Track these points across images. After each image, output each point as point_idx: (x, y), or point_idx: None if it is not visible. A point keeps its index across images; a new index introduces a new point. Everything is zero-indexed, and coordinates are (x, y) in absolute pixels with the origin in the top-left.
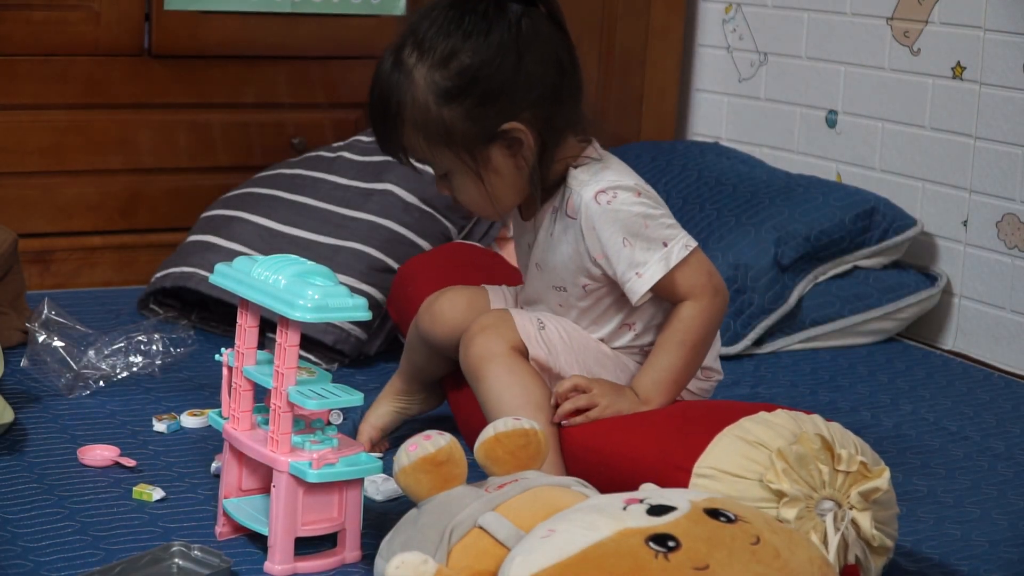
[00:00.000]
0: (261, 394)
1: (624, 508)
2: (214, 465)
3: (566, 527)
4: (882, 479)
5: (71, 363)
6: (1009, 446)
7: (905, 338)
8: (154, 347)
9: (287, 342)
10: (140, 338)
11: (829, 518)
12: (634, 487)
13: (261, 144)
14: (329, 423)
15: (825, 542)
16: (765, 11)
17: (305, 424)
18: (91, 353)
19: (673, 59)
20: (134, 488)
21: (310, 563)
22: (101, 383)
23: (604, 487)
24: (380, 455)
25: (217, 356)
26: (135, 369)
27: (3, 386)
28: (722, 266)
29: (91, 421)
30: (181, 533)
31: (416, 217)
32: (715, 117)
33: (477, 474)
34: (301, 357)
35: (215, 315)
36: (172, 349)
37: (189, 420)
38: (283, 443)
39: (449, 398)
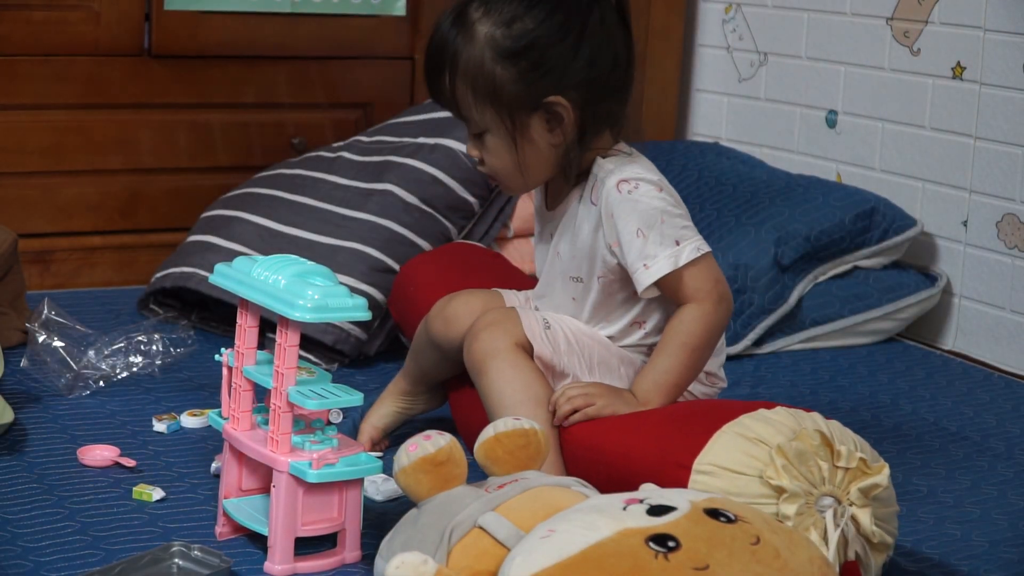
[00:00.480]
0: (261, 394)
1: (624, 508)
2: (214, 465)
3: (566, 527)
4: (882, 475)
5: (71, 363)
6: (1009, 446)
7: (905, 338)
8: (154, 347)
9: (287, 342)
10: (140, 338)
11: (829, 514)
12: (634, 485)
13: (261, 144)
14: (329, 423)
15: (825, 538)
16: (765, 11)
17: (305, 424)
18: (91, 353)
19: (673, 59)
20: (134, 488)
21: (310, 563)
22: (101, 383)
23: (604, 486)
24: (380, 455)
25: (217, 356)
26: (135, 369)
27: (3, 386)
28: (722, 266)
29: (91, 421)
30: (181, 533)
31: (416, 217)
32: (715, 117)
33: (477, 474)
34: (301, 357)
35: (215, 315)
36: (172, 349)
37: (189, 420)
38: (283, 443)
39: (449, 398)
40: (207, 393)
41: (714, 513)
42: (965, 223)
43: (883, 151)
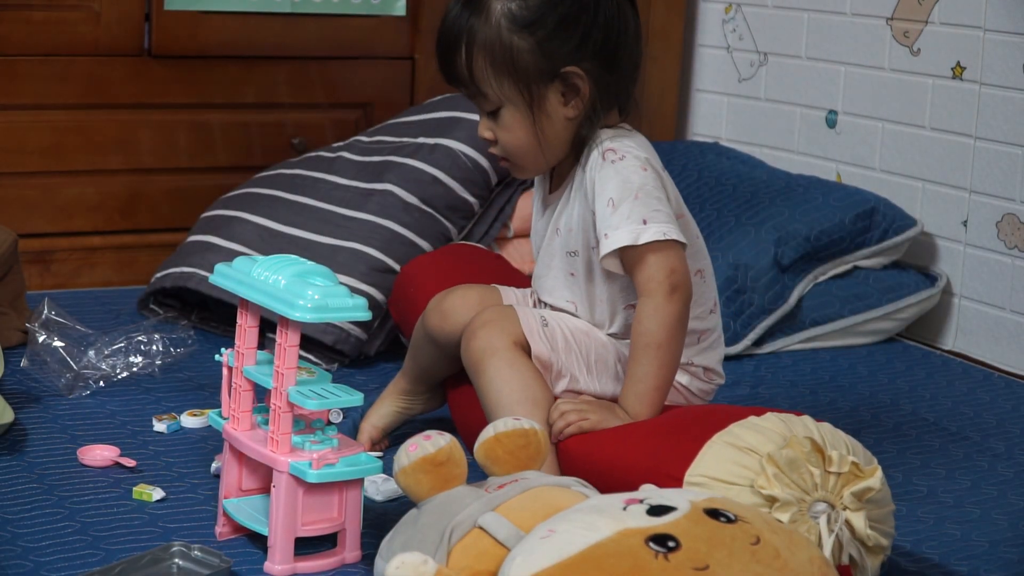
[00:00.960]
0: (261, 394)
1: (624, 508)
2: (214, 465)
3: (566, 527)
4: (874, 478)
5: (71, 363)
6: (1009, 446)
7: (905, 338)
8: (154, 347)
9: (287, 342)
10: (140, 338)
11: (822, 520)
12: None
13: (261, 144)
14: (329, 423)
15: (820, 544)
16: (765, 11)
17: (305, 424)
18: (91, 353)
19: (673, 59)
20: (134, 488)
21: (310, 563)
22: (101, 383)
23: None
24: (380, 454)
25: (217, 356)
26: (135, 369)
27: (3, 386)
28: (722, 266)
29: (91, 421)
30: (181, 533)
31: (416, 217)
32: (715, 117)
33: (477, 474)
34: (301, 357)
35: (215, 315)
36: (172, 349)
37: (189, 420)
38: (283, 443)
39: (448, 398)
40: (207, 393)
41: (714, 513)
42: (965, 223)
43: (883, 151)
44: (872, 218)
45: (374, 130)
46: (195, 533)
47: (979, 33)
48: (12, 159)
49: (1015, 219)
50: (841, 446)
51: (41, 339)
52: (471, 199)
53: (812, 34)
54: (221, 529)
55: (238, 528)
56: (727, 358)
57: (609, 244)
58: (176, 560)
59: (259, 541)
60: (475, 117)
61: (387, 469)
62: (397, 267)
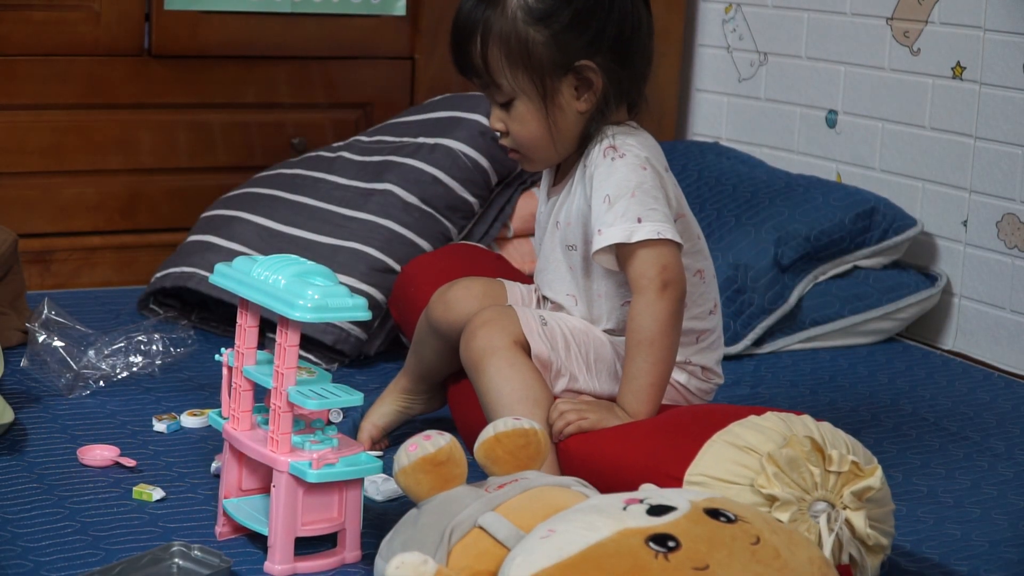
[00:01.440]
0: (261, 394)
1: (624, 508)
2: (214, 465)
3: (566, 527)
4: (874, 478)
5: (71, 363)
6: (1009, 446)
7: (905, 338)
8: (154, 347)
9: (287, 342)
10: (140, 338)
11: (822, 519)
12: None
13: (261, 144)
14: (329, 423)
15: (820, 543)
16: (765, 11)
17: (305, 424)
18: (91, 353)
19: (673, 59)
20: (134, 488)
21: (310, 563)
22: (101, 383)
23: None
24: (380, 454)
25: (217, 356)
26: (135, 369)
27: (3, 386)
28: (722, 266)
29: (91, 421)
30: (181, 533)
31: (416, 217)
32: (715, 117)
33: (477, 474)
34: (301, 357)
35: (215, 315)
36: (172, 349)
37: (189, 420)
38: (283, 443)
39: (448, 397)
40: (207, 393)
41: (714, 513)
42: (965, 223)
43: (883, 151)
44: (872, 218)
45: (374, 130)
46: (195, 533)
47: (979, 33)
48: (12, 159)
49: (1015, 219)
50: (841, 445)
51: (41, 339)
52: (471, 199)
53: (812, 34)
54: (221, 529)
55: (238, 528)
56: (727, 358)
57: (602, 240)
58: (176, 560)
59: (259, 541)
60: (475, 117)
61: (387, 469)
62: (397, 267)
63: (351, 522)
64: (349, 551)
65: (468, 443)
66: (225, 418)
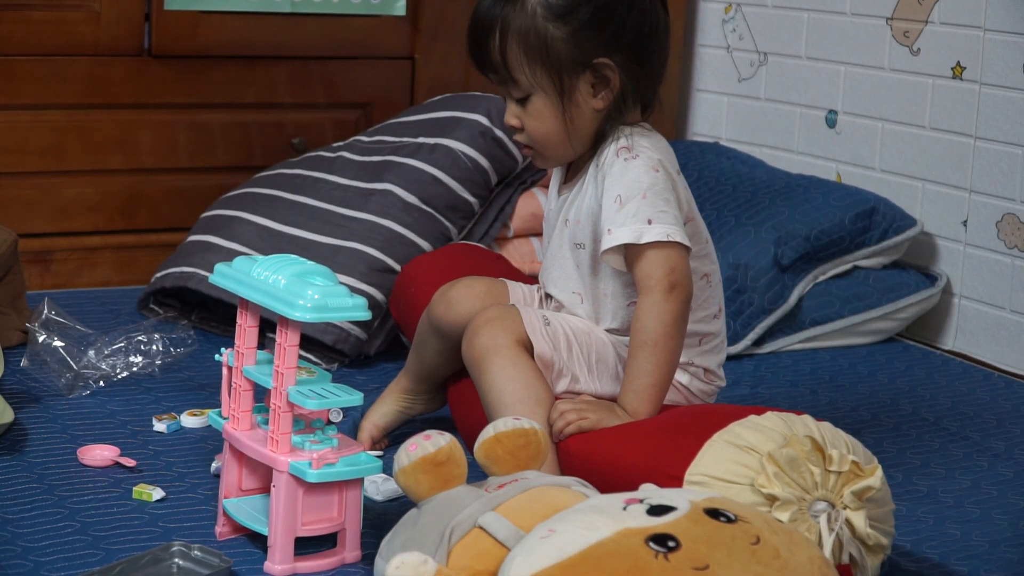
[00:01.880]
0: (261, 394)
1: (624, 508)
2: (214, 465)
3: (566, 527)
4: (874, 477)
5: (71, 363)
6: (1009, 446)
7: (905, 338)
8: (154, 347)
9: (287, 342)
10: (140, 338)
11: (823, 519)
12: None
13: (261, 144)
14: (329, 423)
15: (820, 543)
16: (765, 11)
17: (305, 424)
18: (91, 353)
19: (673, 59)
20: (134, 488)
21: (310, 563)
22: (101, 383)
23: None
24: (380, 454)
25: (217, 356)
26: (135, 369)
27: (3, 386)
28: (722, 266)
29: (91, 421)
30: (181, 533)
31: (416, 217)
32: (715, 117)
33: (477, 474)
34: (301, 357)
35: (215, 315)
36: (172, 349)
37: (189, 420)
38: (283, 443)
39: (449, 397)
40: (207, 393)
41: (714, 513)
42: (965, 223)
43: (883, 151)
44: (872, 218)
45: (374, 130)
46: (195, 533)
47: (979, 33)
48: (12, 159)
49: (1015, 219)
50: (841, 445)
51: (41, 339)
52: (471, 199)
53: (812, 34)
54: (221, 529)
55: (238, 528)
56: (727, 357)
57: (611, 240)
58: (176, 560)
59: (259, 541)
60: (475, 117)
61: (387, 469)
62: (397, 267)
63: (351, 522)
64: (349, 551)
65: (468, 443)
66: (225, 418)
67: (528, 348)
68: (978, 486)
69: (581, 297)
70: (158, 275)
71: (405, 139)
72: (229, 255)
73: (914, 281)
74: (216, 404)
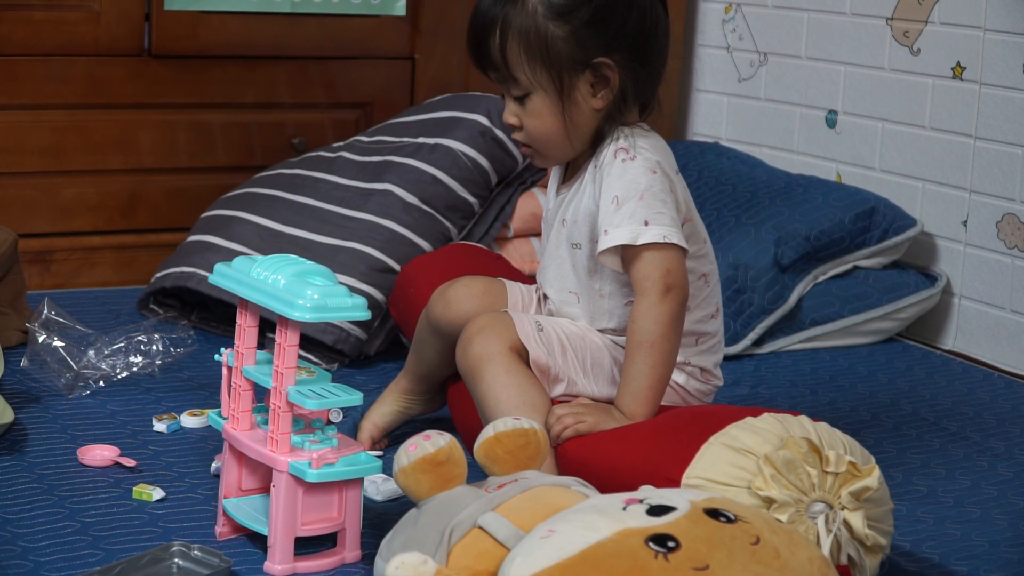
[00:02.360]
0: (261, 394)
1: (624, 508)
2: (214, 465)
3: (566, 527)
4: (872, 478)
5: (71, 363)
6: (1009, 446)
7: (905, 338)
8: (154, 347)
9: (287, 342)
10: (140, 338)
11: (820, 520)
12: None
13: (261, 144)
14: (329, 423)
15: (818, 545)
16: (765, 11)
17: (305, 424)
18: (91, 353)
19: (673, 59)
20: (134, 488)
21: (310, 563)
22: (101, 383)
23: None
24: (380, 454)
25: (217, 356)
26: (135, 369)
27: (3, 386)
28: (722, 266)
29: (91, 421)
30: (181, 533)
31: (416, 217)
32: (715, 117)
33: (477, 474)
34: (301, 357)
35: (215, 315)
36: (172, 349)
37: (189, 420)
38: (283, 443)
39: (448, 397)
40: (207, 393)
41: (714, 513)
42: (965, 223)
43: (883, 151)
44: (872, 218)
45: (374, 130)
46: (195, 533)
47: (979, 33)
48: (12, 159)
49: (1015, 219)
50: (838, 446)
51: (41, 339)
52: (471, 199)
53: (812, 34)
54: (221, 529)
55: (238, 528)
56: (727, 358)
57: (608, 241)
58: (176, 560)
59: (259, 541)
60: (475, 117)
61: (387, 469)
62: (397, 267)
63: (351, 522)
64: (349, 551)
65: (468, 443)
66: (225, 418)
67: (522, 354)
68: (978, 486)
69: (577, 297)
70: (158, 275)
71: (405, 139)
72: (229, 255)
73: (914, 281)
74: (216, 404)
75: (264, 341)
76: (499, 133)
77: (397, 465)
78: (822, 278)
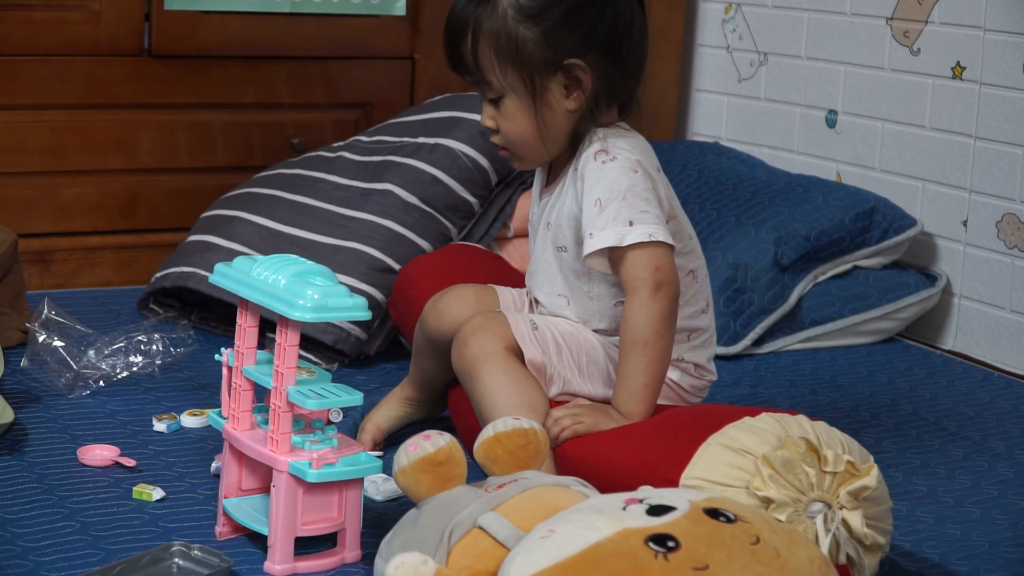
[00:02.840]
0: (261, 394)
1: (624, 508)
2: (214, 465)
3: (566, 527)
4: (870, 477)
5: (71, 363)
6: (1009, 446)
7: (905, 338)
8: (154, 347)
9: (287, 342)
10: (140, 338)
11: (819, 520)
12: None
13: (261, 144)
14: (329, 423)
15: (817, 544)
16: (765, 11)
17: (305, 424)
18: (91, 353)
19: (673, 59)
20: (134, 488)
21: (310, 563)
22: (101, 383)
23: None
24: (380, 454)
25: (217, 356)
26: (135, 369)
27: (3, 386)
28: (722, 266)
29: (91, 421)
30: (181, 533)
31: (416, 217)
32: (715, 117)
33: (477, 474)
34: (301, 357)
35: (215, 315)
36: (172, 349)
37: (189, 420)
38: (283, 443)
39: (449, 398)
40: (207, 393)
41: (714, 513)
42: (965, 223)
43: (883, 151)
44: (872, 218)
45: (374, 130)
46: (195, 533)
47: (979, 33)
48: (12, 159)
49: (1015, 219)
50: (836, 445)
51: (41, 339)
52: (471, 199)
53: (812, 34)
54: (221, 529)
55: (238, 528)
56: (727, 358)
57: (594, 244)
58: (176, 560)
59: (259, 541)
60: (475, 117)
61: (387, 469)
62: (397, 267)
63: (351, 522)
64: (349, 551)
65: (468, 444)
66: (225, 418)
67: (518, 354)
68: (978, 486)
69: (567, 299)
70: (158, 275)
71: (405, 139)
72: (229, 255)
73: (914, 281)
74: (216, 404)
75: (264, 341)
76: None
77: (397, 465)
78: (822, 278)
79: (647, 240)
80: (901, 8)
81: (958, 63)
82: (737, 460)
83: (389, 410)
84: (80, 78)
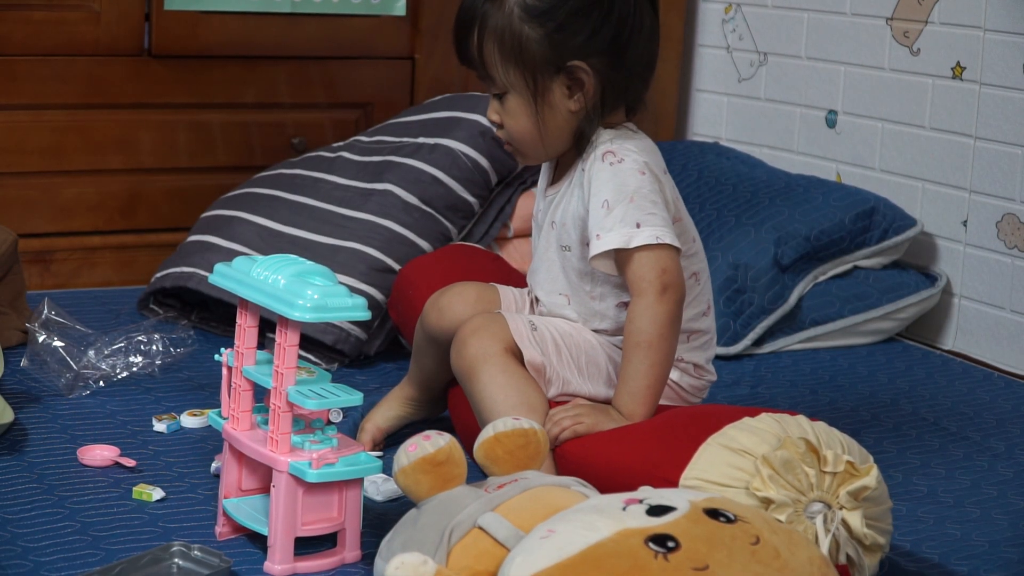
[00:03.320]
0: (261, 394)
1: (624, 508)
2: (214, 465)
3: (566, 527)
4: (870, 477)
5: (71, 363)
6: (1009, 446)
7: (905, 338)
8: (154, 347)
9: (287, 342)
10: (140, 338)
11: (819, 520)
12: None
13: (261, 144)
14: (329, 423)
15: (817, 544)
16: (765, 11)
17: (305, 424)
18: (91, 353)
19: (673, 59)
20: (134, 488)
21: (310, 563)
22: (101, 383)
23: None
24: (380, 454)
25: (217, 356)
26: (135, 369)
27: (3, 386)
28: (722, 266)
29: (91, 421)
30: (181, 533)
31: (416, 217)
32: (715, 117)
33: (477, 474)
34: (301, 357)
35: (215, 315)
36: (172, 349)
37: (189, 420)
38: (283, 443)
39: (448, 398)
40: (207, 393)
41: (714, 513)
42: (965, 223)
43: (883, 151)
44: (872, 218)
45: (374, 130)
46: (195, 533)
47: (979, 33)
48: (12, 159)
49: (1015, 219)
50: (836, 445)
51: (41, 339)
52: (471, 199)
53: (812, 34)
54: (221, 529)
55: (238, 528)
56: (727, 358)
57: (600, 245)
58: (176, 560)
59: (259, 541)
60: (475, 117)
61: (387, 469)
62: (397, 267)
63: (351, 522)
64: (349, 551)
65: (467, 444)
66: (225, 418)
67: (517, 355)
68: (978, 486)
69: (568, 299)
70: (158, 275)
71: (405, 139)
72: (229, 255)
73: (914, 281)
74: (216, 404)
75: (264, 341)
76: None
77: (397, 465)
78: (822, 278)
79: (654, 242)
80: (901, 8)
81: (958, 63)
82: (737, 460)
83: (389, 410)
84: (80, 78)
